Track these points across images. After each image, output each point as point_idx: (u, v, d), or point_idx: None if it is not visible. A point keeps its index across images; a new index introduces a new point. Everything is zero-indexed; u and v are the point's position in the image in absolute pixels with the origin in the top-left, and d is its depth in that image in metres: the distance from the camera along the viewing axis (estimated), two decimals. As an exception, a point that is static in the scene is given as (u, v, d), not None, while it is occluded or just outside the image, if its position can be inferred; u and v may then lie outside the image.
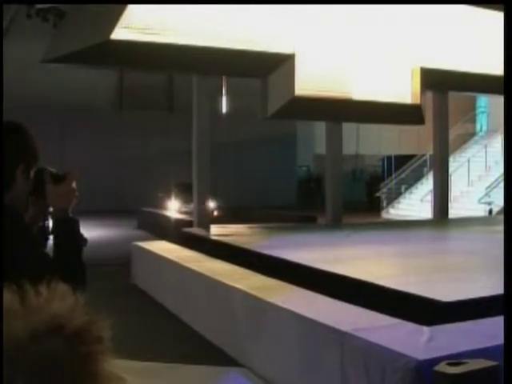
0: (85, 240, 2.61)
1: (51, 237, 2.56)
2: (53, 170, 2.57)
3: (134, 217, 23.43)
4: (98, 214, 23.01)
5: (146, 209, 23.48)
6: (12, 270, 2.03)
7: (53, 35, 12.89)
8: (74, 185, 2.56)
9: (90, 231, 13.86)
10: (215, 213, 20.81)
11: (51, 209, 2.56)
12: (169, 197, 24.20)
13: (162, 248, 12.34)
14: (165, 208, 23.37)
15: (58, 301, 1.00)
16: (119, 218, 24.47)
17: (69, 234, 2.52)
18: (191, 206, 16.27)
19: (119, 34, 11.95)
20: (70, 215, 2.54)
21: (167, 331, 8.94)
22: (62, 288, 1.05)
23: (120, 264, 13.87)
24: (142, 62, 13.00)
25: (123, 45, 12.07)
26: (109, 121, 30.94)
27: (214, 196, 19.88)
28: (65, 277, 2.38)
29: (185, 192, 20.79)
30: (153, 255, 11.91)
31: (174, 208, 23.05)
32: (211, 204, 18.20)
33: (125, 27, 12.03)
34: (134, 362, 7.16)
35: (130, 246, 13.55)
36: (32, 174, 2.48)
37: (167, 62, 13.14)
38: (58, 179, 2.54)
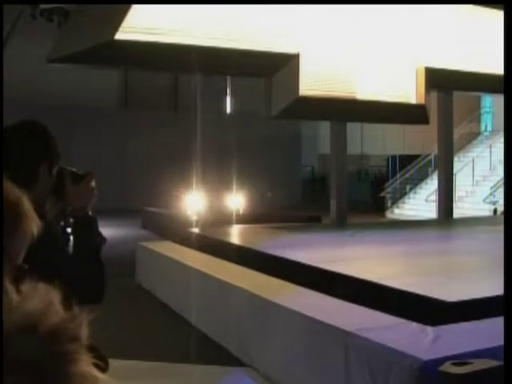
0: (104, 239, 2.62)
1: (71, 237, 2.57)
2: (73, 169, 2.58)
3: (139, 216, 23.45)
4: (103, 213, 22.96)
5: (150, 208, 23.48)
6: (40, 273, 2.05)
7: (57, 35, 12.91)
8: (93, 184, 2.57)
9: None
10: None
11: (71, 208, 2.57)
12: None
13: (167, 248, 12.36)
14: (179, 207, 22.76)
15: (35, 299, 0.98)
16: (124, 218, 24.49)
17: (88, 232, 2.53)
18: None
19: (124, 34, 11.96)
20: (90, 214, 2.55)
21: (172, 331, 8.94)
22: (42, 285, 1.03)
23: (124, 264, 13.88)
24: (147, 63, 12.99)
25: (128, 45, 12.07)
26: (114, 120, 30.98)
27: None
28: (84, 275, 2.40)
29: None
30: (157, 255, 11.93)
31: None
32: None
33: (129, 27, 12.03)
34: (138, 362, 7.17)
35: (135, 246, 13.56)
36: (54, 172, 2.48)
37: (172, 63, 13.14)
38: (78, 178, 2.55)
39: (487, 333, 5.29)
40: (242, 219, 17.34)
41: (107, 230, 14.68)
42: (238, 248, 10.95)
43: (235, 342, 7.87)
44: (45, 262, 2.23)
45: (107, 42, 11.83)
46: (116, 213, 24.94)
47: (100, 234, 2.56)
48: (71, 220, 2.56)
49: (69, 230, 2.56)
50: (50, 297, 1.00)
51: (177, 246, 12.69)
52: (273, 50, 13.68)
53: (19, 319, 0.94)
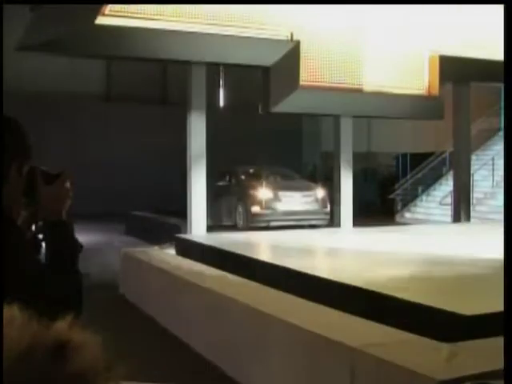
0: (80, 246, 2.59)
1: (43, 243, 2.53)
2: (44, 168, 2.55)
3: (122, 221, 23.41)
4: (82, 217, 22.91)
5: (134, 212, 23.45)
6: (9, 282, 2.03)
7: (30, 19, 12.83)
8: (67, 185, 2.54)
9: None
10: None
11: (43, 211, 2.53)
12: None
13: (154, 256, 12.33)
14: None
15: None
16: (105, 222, 24.43)
17: (62, 239, 2.49)
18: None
19: (105, 18, 11.94)
20: (64, 218, 2.52)
21: (158, 348, 8.91)
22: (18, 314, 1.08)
23: (104, 274, 13.86)
24: (132, 51, 12.95)
25: (110, 31, 12.05)
26: (95, 113, 30.85)
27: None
28: (58, 287, 2.37)
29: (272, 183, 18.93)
30: (143, 263, 11.90)
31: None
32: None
33: (112, 11, 12.02)
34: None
35: (119, 254, 13.54)
36: (25, 171, 2.45)
37: (160, 50, 13.10)
38: (51, 179, 2.51)
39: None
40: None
41: (85, 237, 14.62)
42: (236, 257, 10.93)
43: (229, 360, 7.84)
44: (16, 272, 2.20)
45: (87, 27, 11.80)
46: (96, 217, 24.90)
47: (76, 241, 2.52)
48: (43, 225, 2.53)
49: (40, 236, 2.53)
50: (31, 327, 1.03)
51: (165, 254, 12.66)
52: (270, 36, 13.67)
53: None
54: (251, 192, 17.25)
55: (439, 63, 15.41)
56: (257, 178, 18.75)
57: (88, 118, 30.35)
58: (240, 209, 17.15)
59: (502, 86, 24.87)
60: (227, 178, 19.53)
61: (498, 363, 4.96)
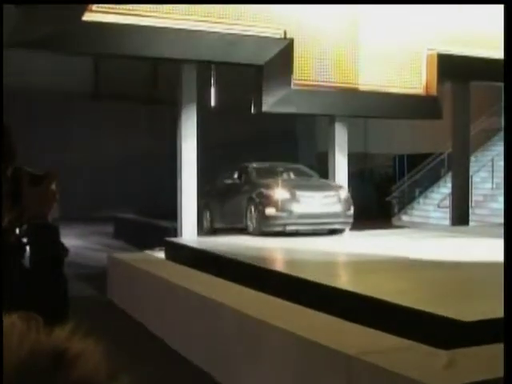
0: (66, 250, 2.57)
1: (28, 247, 2.52)
2: (29, 169, 2.53)
3: (110, 225, 23.38)
4: (68, 221, 22.89)
5: (122, 215, 23.42)
6: None
7: (16, 15, 12.80)
8: (53, 186, 2.52)
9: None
10: None
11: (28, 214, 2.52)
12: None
13: (142, 260, 12.32)
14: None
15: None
16: (93, 226, 24.38)
17: (47, 243, 2.47)
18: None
19: (93, 15, 11.91)
20: (49, 221, 2.50)
21: (148, 356, 8.89)
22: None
23: (91, 279, 13.85)
24: (120, 49, 12.94)
25: (98, 28, 12.03)
26: (83, 112, 30.74)
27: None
28: (42, 293, 2.36)
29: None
30: (132, 268, 11.88)
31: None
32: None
33: (100, 7, 12.00)
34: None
35: (106, 258, 13.52)
36: (9, 173, 2.44)
37: (149, 48, 13.08)
38: (36, 180, 2.50)
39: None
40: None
41: (71, 241, 14.56)
42: (222, 259, 10.92)
43: (222, 367, 7.83)
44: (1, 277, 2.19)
45: (74, 24, 11.78)
46: (84, 220, 24.84)
47: (62, 245, 2.51)
48: (28, 228, 2.52)
49: (25, 239, 2.51)
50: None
51: (155, 258, 12.65)
52: (263, 34, 13.67)
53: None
54: (265, 191, 15.46)
55: (437, 61, 15.42)
56: (271, 175, 16.82)
57: (75, 117, 30.25)
58: (252, 210, 15.48)
59: (502, 85, 24.94)
60: (236, 176, 17.67)
61: (498, 371, 4.97)
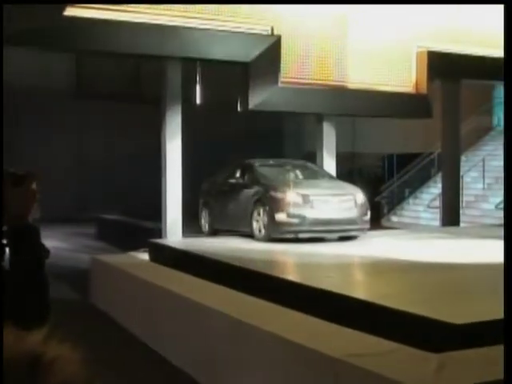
0: (47, 251, 2.56)
1: (7, 249, 2.51)
2: (10, 169, 2.52)
3: (93, 226, 23.33)
4: (50, 222, 22.77)
5: (106, 216, 23.37)
6: None
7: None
8: (34, 186, 2.51)
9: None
10: None
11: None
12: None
13: (126, 262, 12.29)
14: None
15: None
16: (75, 227, 24.33)
17: (28, 244, 2.47)
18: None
19: (74, 10, 11.88)
20: (30, 222, 2.49)
21: (133, 362, 8.87)
22: None
23: (74, 281, 13.81)
24: (102, 46, 12.91)
25: (80, 23, 11.99)
26: (65, 111, 30.61)
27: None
28: (23, 295, 2.35)
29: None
30: (115, 270, 11.85)
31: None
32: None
33: (82, 2, 11.96)
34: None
35: (89, 260, 13.47)
36: None
37: (132, 45, 13.05)
38: (17, 180, 2.49)
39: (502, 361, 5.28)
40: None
41: (52, 242, 14.49)
42: (208, 260, 10.92)
43: (208, 372, 7.82)
44: None
45: (55, 20, 11.74)
46: (66, 221, 24.78)
47: (42, 247, 2.50)
48: (8, 229, 2.51)
49: (4, 241, 2.51)
50: None
51: (138, 260, 12.62)
52: (249, 30, 13.66)
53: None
54: (274, 194, 14.01)
55: (427, 59, 15.44)
56: (278, 174, 15.51)
57: (57, 117, 30.13)
58: (259, 215, 14.11)
59: (493, 83, 25.00)
60: (238, 174, 16.00)
61: (488, 374, 4.98)
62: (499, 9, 15.34)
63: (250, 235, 14.21)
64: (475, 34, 15.86)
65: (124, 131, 30.55)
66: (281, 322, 6.98)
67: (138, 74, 32.29)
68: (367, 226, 14.46)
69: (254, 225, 14.07)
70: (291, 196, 13.88)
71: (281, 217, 13.66)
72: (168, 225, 13.99)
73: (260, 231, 13.91)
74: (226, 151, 29.22)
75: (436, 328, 6.10)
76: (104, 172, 29.97)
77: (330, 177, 15.88)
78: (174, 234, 13.91)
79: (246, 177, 15.55)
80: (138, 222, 20.34)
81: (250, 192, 14.72)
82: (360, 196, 14.48)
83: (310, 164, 16.77)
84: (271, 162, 16.75)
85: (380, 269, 10.32)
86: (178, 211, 14.09)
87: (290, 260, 12.09)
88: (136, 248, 13.93)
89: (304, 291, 8.18)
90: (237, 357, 7.17)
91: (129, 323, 10.71)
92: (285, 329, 6.61)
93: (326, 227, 13.89)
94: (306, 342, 6.05)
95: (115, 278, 11.87)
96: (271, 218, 13.69)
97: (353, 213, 14.11)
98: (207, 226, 16.20)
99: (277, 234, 13.57)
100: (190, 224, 15.57)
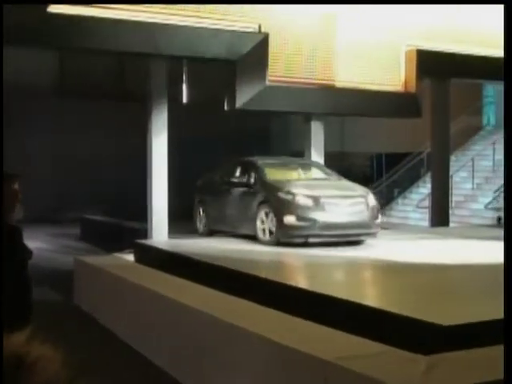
0: (29, 252, 2.55)
1: None
2: None
3: (76, 226, 23.28)
4: (33, 222, 22.74)
5: (89, 216, 23.33)
6: None
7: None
8: (16, 186, 2.50)
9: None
10: None
11: None
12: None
13: (110, 263, 12.26)
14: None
15: None
16: (59, 228, 24.28)
17: (10, 245, 2.45)
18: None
19: (58, 6, 11.83)
20: (12, 223, 2.48)
21: (116, 363, 8.85)
22: None
23: (58, 282, 13.77)
24: (86, 43, 12.85)
25: (63, 19, 11.94)
26: (48, 110, 30.50)
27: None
28: (5, 295, 2.34)
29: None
30: (99, 272, 11.82)
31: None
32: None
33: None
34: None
35: (73, 262, 13.43)
36: None
37: (116, 42, 13.00)
38: None
39: (492, 363, 5.28)
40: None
41: (35, 243, 14.39)
42: (195, 262, 10.90)
43: (194, 375, 7.81)
44: None
45: (38, 16, 11.69)
46: (49, 222, 24.73)
47: (25, 247, 2.49)
48: None
49: None
50: None
51: (123, 261, 12.60)
52: (237, 28, 13.64)
53: None
54: (282, 196, 13.31)
55: (417, 57, 15.46)
56: (285, 174, 14.80)
57: (40, 116, 30.01)
58: (264, 217, 13.45)
59: (483, 82, 25.07)
60: (238, 172, 15.24)
61: (477, 376, 4.99)
62: (490, 8, 15.44)
63: (246, 237, 13.86)
64: (465, 32, 15.89)
65: (111, 130, 30.46)
66: (269, 325, 6.97)
67: (122, 72, 32.20)
68: (378, 229, 13.90)
69: (259, 227, 13.53)
70: (301, 198, 13.29)
71: (290, 220, 13.07)
72: (154, 224, 13.96)
73: (265, 234, 13.39)
74: (212, 150, 29.27)
75: (425, 330, 6.11)
76: (90, 171, 29.90)
77: (338, 177, 15.26)
78: (159, 234, 13.88)
79: (248, 175, 14.77)
80: (124, 222, 20.29)
81: (254, 192, 14.12)
82: (371, 198, 13.95)
83: (315, 162, 16.27)
84: (273, 160, 16.07)
85: (367, 269, 10.33)
86: (164, 210, 14.06)
87: (277, 260, 12.05)
88: (121, 249, 13.90)
89: (292, 293, 8.17)
90: (225, 359, 7.15)
91: (112, 324, 10.69)
92: (274, 331, 6.59)
93: (337, 231, 13.29)
94: (295, 345, 6.05)
95: (99, 279, 11.84)
96: (279, 221, 13.11)
97: (365, 216, 13.54)
98: (203, 227, 15.64)
99: (285, 237, 13.04)
100: (183, 224, 15.51)
